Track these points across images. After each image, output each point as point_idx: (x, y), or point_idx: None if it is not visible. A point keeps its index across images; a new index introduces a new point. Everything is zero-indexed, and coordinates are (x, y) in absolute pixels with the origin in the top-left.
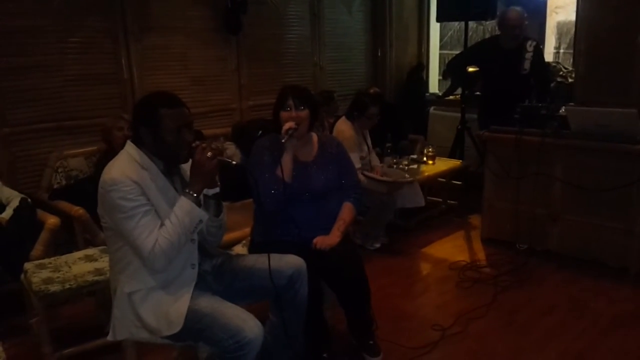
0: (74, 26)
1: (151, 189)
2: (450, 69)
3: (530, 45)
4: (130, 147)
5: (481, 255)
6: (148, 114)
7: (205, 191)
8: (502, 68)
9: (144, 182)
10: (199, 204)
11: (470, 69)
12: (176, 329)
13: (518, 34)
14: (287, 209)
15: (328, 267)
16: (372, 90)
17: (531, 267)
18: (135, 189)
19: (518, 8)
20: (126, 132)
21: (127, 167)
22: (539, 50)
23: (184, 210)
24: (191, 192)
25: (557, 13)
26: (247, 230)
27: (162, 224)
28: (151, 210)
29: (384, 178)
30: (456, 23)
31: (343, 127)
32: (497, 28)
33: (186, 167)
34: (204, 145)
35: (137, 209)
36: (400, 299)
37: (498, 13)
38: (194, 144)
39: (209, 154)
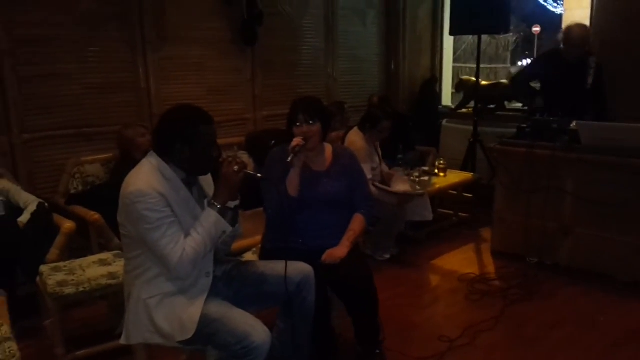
0: (93, 36)
1: (174, 200)
2: (516, 86)
3: (592, 62)
4: (153, 158)
5: (491, 268)
6: (187, 130)
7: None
8: (566, 82)
9: (168, 193)
10: (223, 216)
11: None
12: (189, 334)
13: (578, 53)
14: (298, 218)
15: (337, 277)
16: (375, 98)
17: (541, 280)
18: (161, 201)
19: (583, 25)
20: (149, 137)
21: (151, 178)
22: (600, 68)
23: (210, 221)
24: (216, 204)
25: None
26: (258, 238)
27: (186, 234)
28: (176, 221)
29: (395, 189)
30: (470, 36)
31: (355, 138)
32: (561, 43)
33: (203, 177)
34: (230, 159)
35: (163, 220)
36: (409, 310)
37: (563, 28)
38: (221, 158)
39: (236, 167)
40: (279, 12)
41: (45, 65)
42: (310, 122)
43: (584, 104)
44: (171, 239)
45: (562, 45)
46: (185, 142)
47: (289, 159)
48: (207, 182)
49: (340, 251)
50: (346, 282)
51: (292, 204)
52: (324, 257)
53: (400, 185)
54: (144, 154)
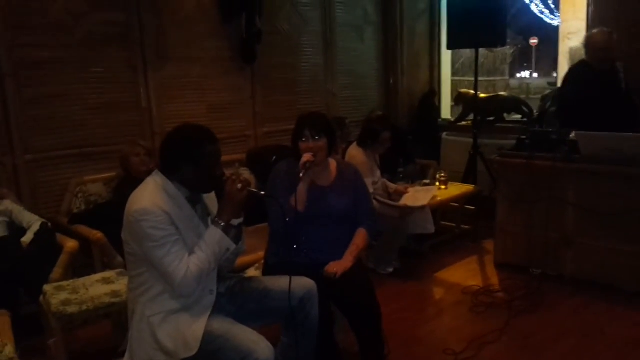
0: (95, 57)
1: (178, 218)
2: (565, 118)
3: (620, 66)
4: (158, 176)
5: (494, 280)
6: (193, 150)
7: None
8: (602, 91)
9: (172, 211)
10: (226, 233)
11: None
12: (192, 352)
13: (604, 57)
14: (301, 232)
15: (339, 292)
16: (374, 115)
17: (545, 291)
18: (165, 219)
19: (605, 29)
20: (143, 158)
21: (156, 196)
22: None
23: (214, 239)
24: (220, 222)
25: (569, 39)
26: (261, 254)
27: (190, 252)
28: (180, 239)
29: (396, 203)
30: (468, 50)
31: (355, 153)
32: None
33: (207, 195)
34: (234, 177)
35: (168, 238)
36: (413, 323)
37: (585, 35)
38: (225, 177)
39: (239, 185)
40: (278, 31)
41: (48, 86)
42: (316, 137)
43: (623, 110)
44: (175, 257)
45: (585, 55)
46: (191, 162)
47: (301, 174)
48: (210, 199)
49: (344, 264)
50: (348, 298)
51: (298, 219)
52: (327, 267)
53: (421, 198)
54: (142, 173)
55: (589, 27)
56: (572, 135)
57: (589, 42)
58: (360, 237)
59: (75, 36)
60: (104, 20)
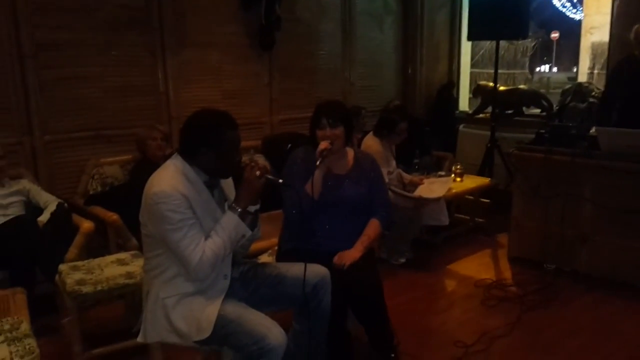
0: (115, 40)
1: (196, 202)
2: (608, 113)
3: None
4: (177, 160)
5: (508, 274)
6: (213, 135)
7: None
8: None
9: (190, 195)
10: (243, 219)
11: None
12: (205, 335)
13: None
14: (316, 220)
15: (346, 283)
16: (392, 106)
17: (558, 287)
18: (183, 203)
19: None
20: (160, 142)
21: (175, 179)
22: None
23: (231, 224)
24: (237, 208)
25: (591, 34)
26: (274, 240)
27: (206, 236)
28: (197, 223)
29: (411, 194)
30: (488, 42)
31: (371, 142)
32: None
33: (224, 180)
34: (252, 164)
35: (185, 221)
36: (424, 315)
37: (633, 28)
38: (243, 163)
39: (258, 172)
40: (297, 18)
41: (67, 69)
42: (334, 125)
43: None
44: (191, 241)
45: (636, 52)
46: (211, 147)
47: (317, 162)
48: (228, 184)
49: (353, 254)
50: (354, 290)
51: (313, 206)
52: (335, 257)
53: (436, 189)
54: (159, 157)
55: (613, 21)
56: (592, 130)
57: (637, 35)
58: (372, 228)
59: (95, 19)
60: (124, 4)
